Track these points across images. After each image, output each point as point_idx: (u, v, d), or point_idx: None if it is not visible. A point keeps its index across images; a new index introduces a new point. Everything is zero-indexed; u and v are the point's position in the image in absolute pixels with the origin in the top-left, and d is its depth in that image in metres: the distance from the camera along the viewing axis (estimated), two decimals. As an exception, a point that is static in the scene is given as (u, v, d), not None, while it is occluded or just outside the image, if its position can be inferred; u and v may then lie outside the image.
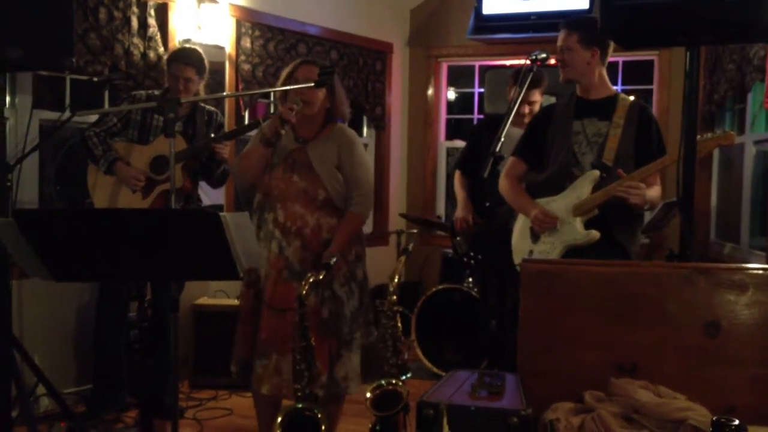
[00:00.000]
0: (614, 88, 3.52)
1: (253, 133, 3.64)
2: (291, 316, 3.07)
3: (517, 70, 4.78)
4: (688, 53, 3.01)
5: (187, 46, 4.54)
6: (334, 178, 3.35)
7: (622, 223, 3.30)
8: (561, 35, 3.40)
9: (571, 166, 3.34)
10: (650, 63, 6.37)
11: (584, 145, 3.34)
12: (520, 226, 3.53)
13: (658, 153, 3.36)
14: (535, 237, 3.42)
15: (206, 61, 4.26)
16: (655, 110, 6.31)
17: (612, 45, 3.40)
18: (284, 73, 3.43)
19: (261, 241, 3.33)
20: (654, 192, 3.31)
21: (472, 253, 5.02)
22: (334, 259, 3.08)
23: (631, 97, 3.44)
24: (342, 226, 3.36)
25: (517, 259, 3.45)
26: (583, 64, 3.35)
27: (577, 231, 3.26)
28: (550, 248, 3.31)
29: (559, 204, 3.33)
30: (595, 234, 3.22)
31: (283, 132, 3.25)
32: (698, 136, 3.14)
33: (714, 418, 1.55)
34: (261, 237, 3.34)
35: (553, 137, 3.37)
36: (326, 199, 3.33)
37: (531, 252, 3.39)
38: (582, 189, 3.28)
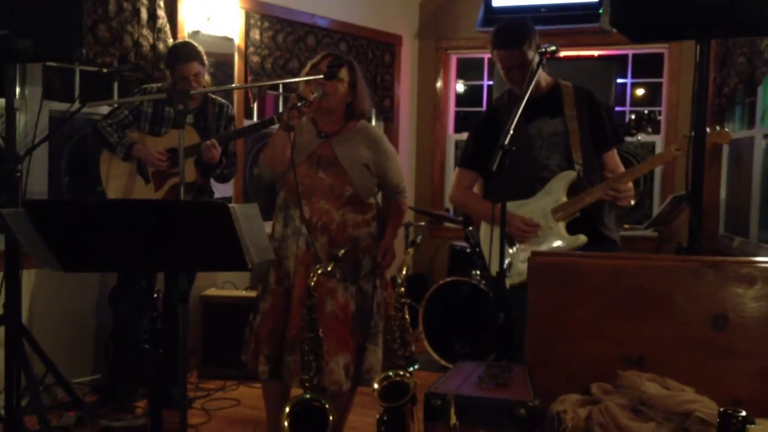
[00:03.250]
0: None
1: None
2: (320, 310, 3.10)
3: None
4: (698, 47, 3.00)
5: (178, 42, 4.53)
6: (362, 175, 3.34)
7: (604, 217, 3.23)
8: (514, 54, 3.19)
9: (539, 171, 3.22)
10: (660, 56, 6.35)
11: (545, 148, 3.23)
12: (487, 234, 3.30)
13: (615, 140, 3.30)
14: (510, 243, 3.23)
15: (201, 49, 4.27)
16: (664, 104, 6.31)
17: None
18: (309, 65, 3.40)
19: (289, 238, 3.33)
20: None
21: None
22: (343, 251, 3.09)
23: (569, 83, 3.32)
24: (391, 218, 3.49)
25: (494, 269, 3.11)
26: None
27: (563, 236, 3.15)
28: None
29: (532, 208, 3.20)
30: (584, 239, 3.12)
31: (300, 105, 3.13)
32: (691, 134, 3.10)
33: (721, 410, 1.55)
34: (289, 234, 3.34)
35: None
36: (353, 195, 3.32)
37: (510, 261, 3.19)
38: (558, 192, 3.17)
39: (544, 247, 3.15)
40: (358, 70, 3.41)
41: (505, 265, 3.13)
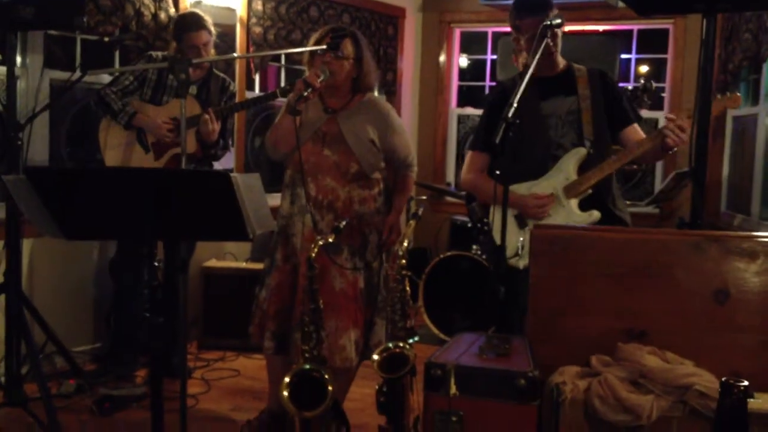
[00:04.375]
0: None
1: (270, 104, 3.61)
2: (329, 287, 3.12)
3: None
4: (704, 21, 2.97)
5: (185, 12, 4.50)
6: (368, 151, 3.33)
7: (612, 194, 3.21)
8: (541, 21, 2.94)
9: (553, 149, 3.19)
10: (665, 32, 6.30)
11: (560, 126, 3.20)
12: (499, 218, 3.24)
13: (634, 115, 3.26)
14: (522, 225, 3.22)
15: (209, 18, 4.24)
16: (669, 79, 6.27)
17: None
18: (313, 39, 3.36)
19: (295, 215, 3.34)
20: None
21: (485, 219, 5.02)
22: (344, 222, 3.09)
23: (582, 66, 3.29)
24: (397, 193, 3.51)
25: (509, 252, 3.15)
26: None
27: (576, 213, 3.12)
28: None
29: (543, 187, 3.17)
30: (597, 215, 3.10)
31: (306, 94, 3.12)
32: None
33: (723, 379, 1.56)
34: (295, 212, 3.35)
35: (521, 123, 2.81)
36: (358, 172, 3.32)
37: (521, 242, 3.15)
38: (569, 169, 3.14)
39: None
40: (363, 43, 3.38)
41: (518, 248, 3.14)
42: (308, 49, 3.30)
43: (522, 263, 3.07)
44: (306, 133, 3.31)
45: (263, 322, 3.35)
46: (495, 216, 3.26)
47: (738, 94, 3.12)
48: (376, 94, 6.65)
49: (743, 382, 1.53)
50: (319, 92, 3.26)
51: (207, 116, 3.98)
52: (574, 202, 3.14)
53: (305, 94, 3.11)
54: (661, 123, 6.27)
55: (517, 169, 3.09)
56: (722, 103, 3.06)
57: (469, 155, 3.45)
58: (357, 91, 3.41)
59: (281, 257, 3.36)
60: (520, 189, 3.17)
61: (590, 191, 3.14)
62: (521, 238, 3.17)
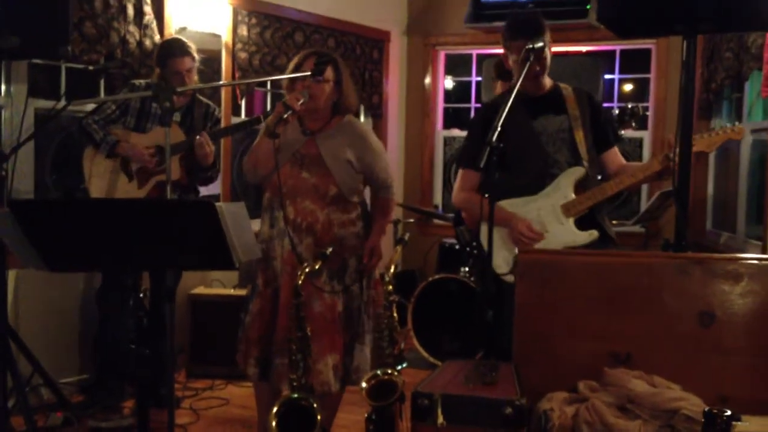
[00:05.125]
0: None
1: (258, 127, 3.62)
2: (307, 311, 3.09)
3: (497, 63, 4.69)
4: (684, 42, 3.00)
5: (169, 38, 4.51)
6: (346, 173, 3.33)
7: (604, 213, 3.25)
8: (536, 40, 3.05)
9: (549, 165, 3.20)
10: (648, 52, 6.35)
11: (551, 144, 3.22)
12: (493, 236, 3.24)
13: (616, 139, 3.35)
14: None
15: (193, 45, 4.25)
16: (652, 99, 6.32)
17: None
18: (292, 64, 3.38)
19: (275, 239, 3.33)
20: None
21: (474, 243, 5.03)
22: (330, 249, 3.09)
23: (568, 86, 3.33)
24: (376, 216, 3.49)
25: (502, 269, 3.20)
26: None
27: (576, 233, 3.13)
28: None
29: (540, 204, 3.18)
30: (596, 234, 3.12)
31: (286, 117, 3.12)
32: (706, 133, 3.12)
33: (706, 409, 1.56)
34: (275, 235, 3.33)
35: (512, 141, 2.91)
36: (337, 195, 3.31)
37: (515, 260, 3.07)
38: (567, 188, 3.16)
39: (556, 244, 3.12)
40: (342, 67, 3.39)
41: (513, 265, 3.13)
42: (294, 75, 3.30)
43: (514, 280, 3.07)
44: (284, 155, 3.31)
45: (247, 348, 3.33)
46: (485, 235, 3.20)
47: (742, 126, 3.14)
48: (362, 117, 6.73)
49: (726, 411, 1.53)
50: (299, 115, 3.27)
51: (202, 139, 3.98)
52: (572, 221, 3.16)
53: (285, 117, 3.11)
54: (646, 143, 6.33)
55: (513, 185, 3.14)
56: (724, 136, 3.09)
57: (460, 173, 3.45)
58: (336, 114, 3.41)
59: (262, 282, 3.35)
60: (516, 203, 3.19)
61: (587, 210, 3.16)
62: (513, 257, 3.15)
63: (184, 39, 4.27)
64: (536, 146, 3.22)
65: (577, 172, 3.18)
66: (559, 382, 2.30)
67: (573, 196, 3.16)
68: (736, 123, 3.20)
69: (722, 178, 5.76)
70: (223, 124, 4.51)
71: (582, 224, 3.16)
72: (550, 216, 3.17)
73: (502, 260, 3.19)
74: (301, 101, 3.17)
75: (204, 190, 4.61)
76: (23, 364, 3.71)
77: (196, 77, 4.28)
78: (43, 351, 3.96)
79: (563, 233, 3.14)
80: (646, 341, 2.35)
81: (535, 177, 3.21)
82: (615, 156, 3.32)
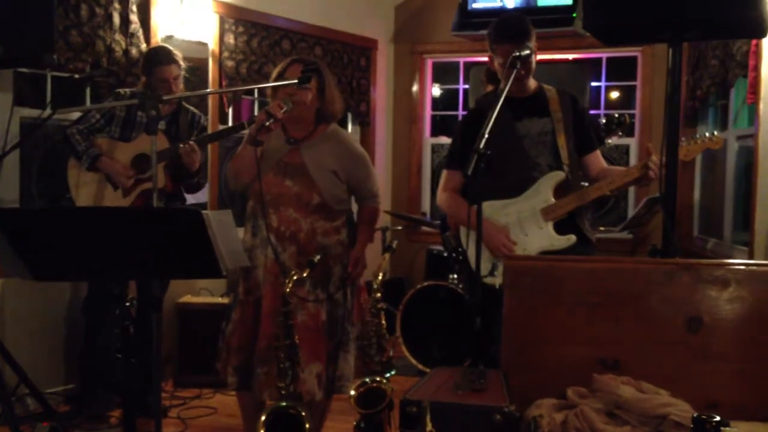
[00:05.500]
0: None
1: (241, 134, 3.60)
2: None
3: (489, 68, 4.73)
4: (670, 50, 3.02)
5: (155, 46, 4.50)
6: (330, 182, 3.31)
7: (585, 217, 3.26)
8: (519, 47, 3.05)
9: (529, 169, 3.22)
10: (634, 59, 6.39)
11: (533, 147, 3.24)
12: (465, 240, 3.29)
13: (598, 142, 3.38)
14: None
15: (179, 52, 4.24)
16: (638, 106, 6.35)
17: None
18: (275, 72, 3.36)
19: (258, 248, 3.30)
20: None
21: (461, 249, 5.02)
22: (318, 257, 3.08)
23: (552, 87, 3.35)
24: (362, 225, 3.46)
25: (483, 272, 3.15)
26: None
27: (554, 237, 3.14)
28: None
29: (520, 207, 3.20)
30: (574, 238, 3.13)
31: (268, 124, 3.08)
32: (684, 140, 3.14)
33: (694, 415, 1.56)
34: (257, 244, 3.31)
35: (495, 143, 2.77)
36: (320, 204, 3.30)
37: (494, 264, 3.19)
38: (546, 192, 3.17)
39: (534, 247, 3.14)
40: (325, 74, 3.37)
41: (492, 267, 3.15)
42: (281, 84, 3.28)
43: (498, 282, 3.07)
44: (268, 163, 3.30)
45: (227, 357, 3.32)
46: (464, 238, 3.29)
47: (721, 136, 3.15)
48: (349, 124, 6.73)
49: (715, 417, 1.53)
50: (282, 123, 3.25)
51: (187, 146, 3.96)
52: (550, 225, 3.16)
53: (267, 124, 3.08)
54: (633, 149, 6.36)
55: (492, 186, 3.11)
56: (702, 145, 3.11)
57: (444, 174, 3.47)
58: (320, 122, 3.40)
59: (243, 291, 3.34)
60: (494, 206, 3.19)
61: (566, 215, 3.17)
62: (494, 261, 3.19)
63: (170, 47, 4.27)
64: (518, 149, 3.23)
65: (557, 176, 3.19)
66: (548, 388, 2.30)
67: (553, 200, 3.17)
68: (715, 132, 3.22)
69: (709, 184, 5.79)
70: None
71: (561, 228, 3.17)
72: (530, 220, 3.18)
73: (482, 262, 3.17)
74: (284, 109, 3.14)
75: (191, 198, 4.59)
76: (9, 374, 3.67)
77: (182, 85, 4.26)
78: (29, 361, 3.92)
79: (541, 237, 3.16)
80: (634, 347, 2.35)
81: (515, 180, 3.22)
82: (596, 159, 3.34)
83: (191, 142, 4.00)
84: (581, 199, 3.15)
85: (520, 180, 3.22)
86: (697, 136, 3.16)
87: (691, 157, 3.13)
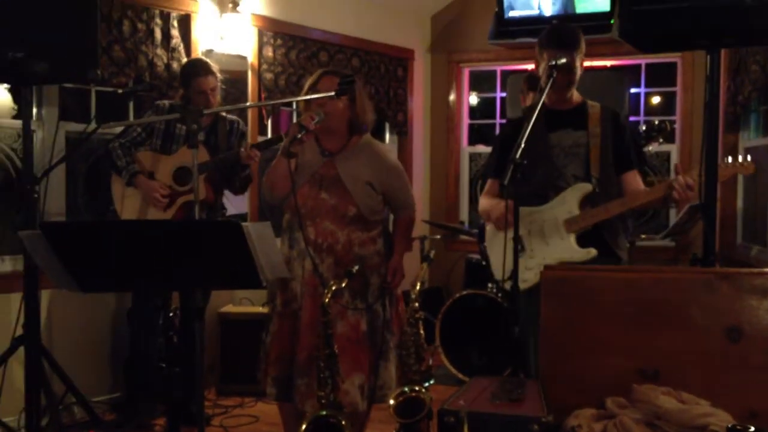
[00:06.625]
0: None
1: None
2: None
3: (530, 76, 4.75)
4: (708, 56, 2.99)
5: (195, 58, 4.58)
6: (365, 194, 3.33)
7: (612, 231, 3.21)
8: (563, 56, 3.08)
9: (554, 179, 3.21)
10: (673, 65, 6.33)
11: (562, 157, 3.22)
12: (491, 237, 3.38)
13: (638, 162, 3.31)
14: (521, 248, 3.16)
15: (215, 64, 4.33)
16: (678, 113, 6.29)
17: None
18: (307, 84, 3.40)
19: (295, 260, 3.33)
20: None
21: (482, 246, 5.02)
22: (357, 267, 3.10)
23: (597, 104, 3.31)
24: (398, 235, 3.49)
25: (497, 274, 3.23)
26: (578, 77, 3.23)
27: (574, 249, 3.13)
28: (540, 264, 3.06)
29: (544, 216, 3.20)
30: (594, 252, 3.10)
31: (300, 136, 3.12)
32: (719, 162, 3.10)
33: (729, 426, 1.55)
34: (295, 256, 3.34)
35: (525, 150, 2.83)
36: (357, 215, 3.32)
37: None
38: (572, 203, 3.16)
39: (555, 257, 3.12)
40: (357, 84, 3.40)
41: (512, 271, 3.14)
42: (318, 96, 3.31)
43: (523, 285, 3.06)
44: (303, 176, 3.33)
45: (266, 368, 3.36)
46: (489, 236, 3.36)
47: (752, 162, 3.10)
48: (387, 134, 6.76)
49: (750, 427, 1.53)
50: (315, 135, 3.29)
51: (251, 152, 4.10)
52: (573, 237, 3.15)
53: (299, 136, 3.11)
54: (673, 156, 6.30)
55: (524, 192, 3.06)
56: (734, 170, 3.07)
57: (488, 181, 3.49)
58: (354, 133, 3.42)
59: (281, 303, 3.37)
60: (521, 213, 3.13)
61: (590, 227, 3.14)
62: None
63: (206, 58, 4.34)
64: (546, 158, 3.22)
65: (584, 188, 3.17)
66: (586, 398, 2.29)
67: (577, 211, 3.15)
68: (748, 157, 3.16)
69: (751, 191, 5.71)
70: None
71: (585, 241, 3.14)
72: (552, 229, 3.17)
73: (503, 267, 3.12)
74: (316, 120, 3.17)
75: (232, 209, 4.66)
76: (56, 383, 3.75)
77: (219, 96, 4.34)
78: (76, 370, 4.00)
79: (563, 248, 3.15)
80: (673, 357, 2.33)
81: (539, 186, 3.21)
82: (633, 179, 3.27)
83: (254, 149, 4.09)
84: (605, 213, 3.11)
85: (543, 187, 3.21)
86: (729, 160, 3.11)
87: (722, 180, 3.08)
